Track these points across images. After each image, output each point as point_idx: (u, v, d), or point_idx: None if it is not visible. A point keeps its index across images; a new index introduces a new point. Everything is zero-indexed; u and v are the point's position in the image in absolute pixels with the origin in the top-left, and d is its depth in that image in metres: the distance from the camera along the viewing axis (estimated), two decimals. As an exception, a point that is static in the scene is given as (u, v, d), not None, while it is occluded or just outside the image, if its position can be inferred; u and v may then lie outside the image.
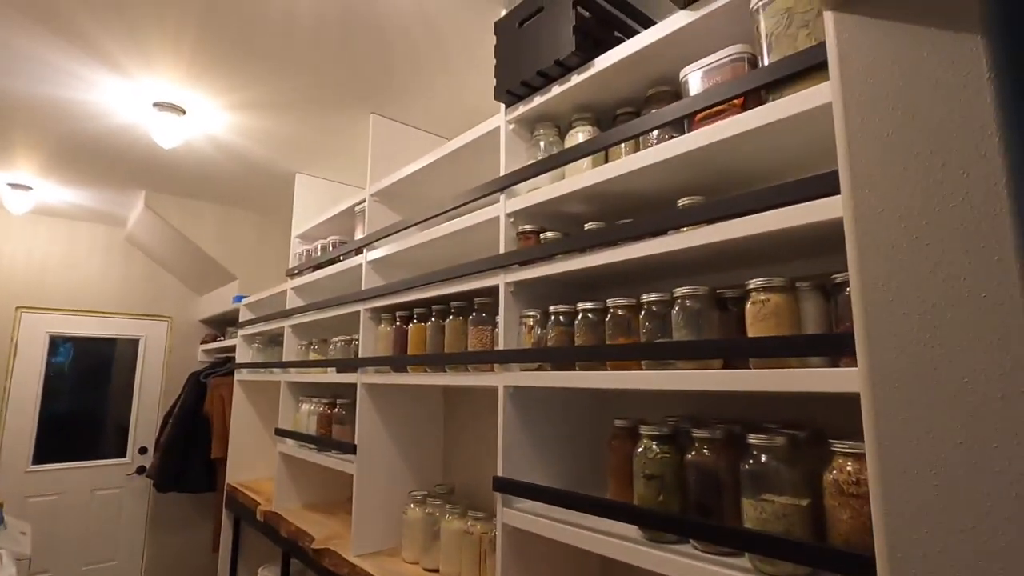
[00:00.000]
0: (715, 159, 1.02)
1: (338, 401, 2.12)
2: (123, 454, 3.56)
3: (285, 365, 2.42)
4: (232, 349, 3.49)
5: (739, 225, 0.89)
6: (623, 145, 1.22)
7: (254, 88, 2.05)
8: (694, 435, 0.98)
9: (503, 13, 1.46)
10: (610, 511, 1.01)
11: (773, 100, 0.87)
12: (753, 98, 0.94)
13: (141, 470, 3.54)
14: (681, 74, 1.07)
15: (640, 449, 1.04)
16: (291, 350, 2.47)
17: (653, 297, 1.05)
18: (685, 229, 0.99)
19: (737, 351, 0.89)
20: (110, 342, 3.63)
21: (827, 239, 0.89)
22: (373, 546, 1.80)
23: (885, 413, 0.57)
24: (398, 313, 1.81)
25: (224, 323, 3.68)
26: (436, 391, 2.04)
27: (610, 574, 1.41)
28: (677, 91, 1.19)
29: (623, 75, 1.22)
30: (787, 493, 0.83)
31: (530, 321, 1.29)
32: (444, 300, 1.64)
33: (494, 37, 1.44)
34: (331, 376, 2.06)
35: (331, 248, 2.32)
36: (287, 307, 2.48)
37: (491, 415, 1.85)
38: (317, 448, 2.15)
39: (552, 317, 1.24)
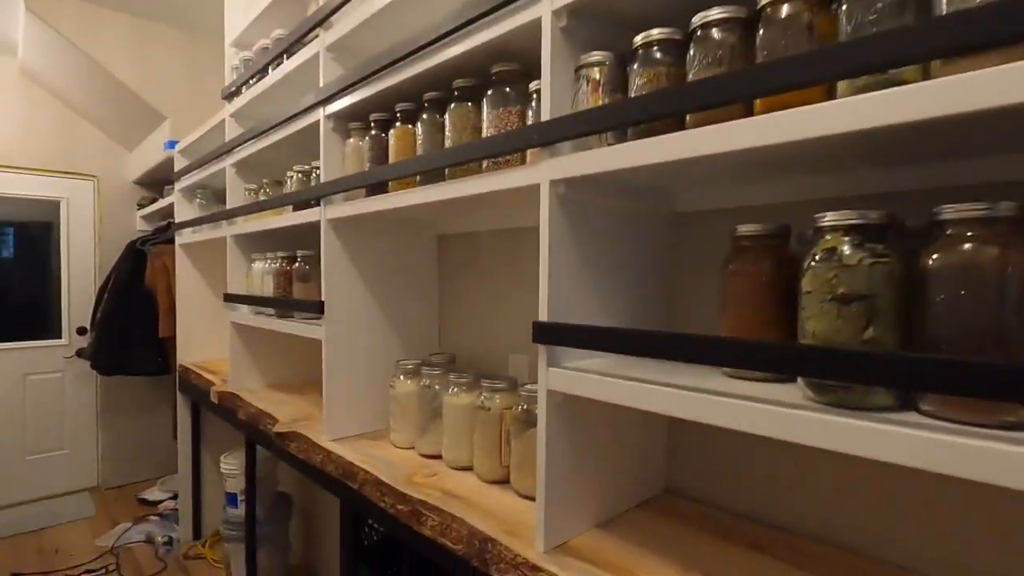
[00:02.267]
0: None
1: (299, 254, 1.62)
2: (58, 335, 3.07)
3: (228, 215, 1.89)
4: (168, 212, 2.91)
5: None
6: None
7: None
8: (945, 217, 0.52)
9: None
10: (786, 359, 0.56)
11: None
12: None
13: (82, 352, 3.09)
14: None
15: (818, 259, 0.58)
16: (236, 196, 1.93)
17: (875, -39, 0.54)
18: None
19: None
20: (25, 206, 3.01)
21: None
22: (351, 428, 1.40)
23: None
24: (373, 118, 1.26)
25: (162, 182, 3.07)
26: (427, 234, 1.55)
27: (677, 452, 1.03)
28: None
29: None
30: None
31: (596, 73, 0.78)
32: (442, 84, 1.10)
33: None
34: (287, 218, 1.54)
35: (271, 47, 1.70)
36: (226, 140, 1.90)
37: (504, 262, 1.38)
38: (276, 313, 1.69)
39: (641, 53, 0.73)
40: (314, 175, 1.52)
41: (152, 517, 2.70)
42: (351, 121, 1.33)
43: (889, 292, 0.54)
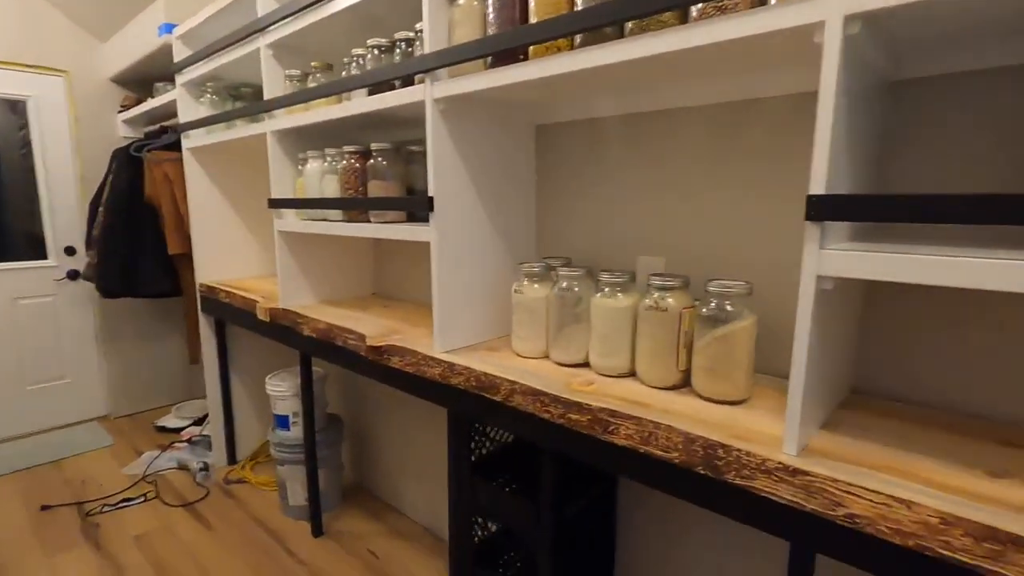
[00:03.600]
0: None
1: (373, 148, 1.41)
2: (43, 256, 2.76)
3: (271, 107, 1.63)
4: (167, 115, 2.57)
5: None
6: None
7: None
8: None
9: None
10: None
11: None
12: None
13: (73, 275, 2.80)
14: None
15: None
16: (275, 84, 1.66)
17: None
18: None
19: None
20: (-17, 107, 2.58)
21: None
22: (463, 339, 1.28)
23: None
24: (500, -33, 1.04)
25: (149, 80, 2.67)
26: (527, 123, 1.37)
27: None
28: None
29: None
30: None
31: None
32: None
33: None
34: (375, 100, 1.31)
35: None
36: (259, 15, 1.60)
37: (626, 152, 1.23)
38: (346, 217, 1.50)
39: None
40: (399, 50, 1.29)
41: (180, 444, 2.56)
42: (463, -27, 1.10)
43: None
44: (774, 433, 0.79)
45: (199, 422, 2.77)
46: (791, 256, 1.01)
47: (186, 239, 2.40)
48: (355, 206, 1.43)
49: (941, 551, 0.61)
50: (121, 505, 2.12)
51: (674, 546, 1.27)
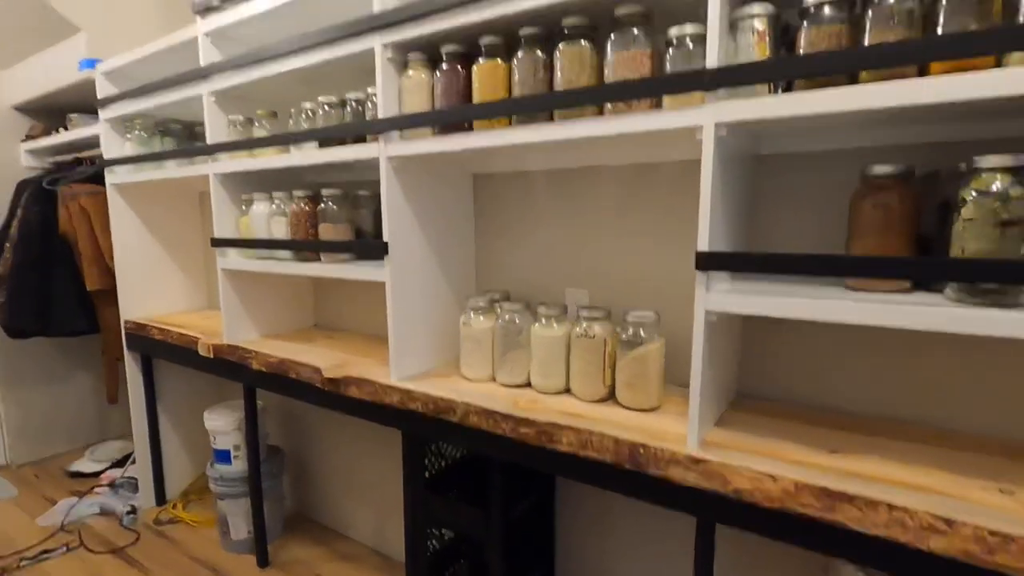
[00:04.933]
0: None
1: (324, 193, 1.53)
2: (-70, 295, 2.54)
3: (215, 151, 1.69)
4: (80, 146, 2.49)
5: None
6: None
7: None
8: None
9: None
10: (966, 270, 0.72)
11: None
12: None
13: (-31, 315, 2.59)
14: None
15: (976, 193, 0.74)
16: (218, 129, 1.72)
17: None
18: None
19: None
20: None
21: None
22: (415, 367, 1.42)
23: None
24: (446, 50, 1.22)
25: (60, 110, 2.57)
26: (465, 173, 1.55)
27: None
28: None
29: None
30: None
31: (761, 24, 0.86)
32: (538, 19, 1.10)
33: None
34: (329, 153, 1.44)
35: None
36: (201, 63, 1.67)
37: (554, 200, 1.44)
38: (295, 257, 1.59)
39: (811, 12, 0.82)
40: (351, 107, 1.43)
41: (100, 488, 2.44)
42: (411, 52, 1.27)
43: (1039, 218, 0.72)
44: (680, 432, 1.02)
45: (119, 463, 2.65)
46: (687, 288, 1.25)
47: (106, 274, 2.34)
48: (313, 248, 1.54)
49: (796, 508, 0.85)
50: (41, 557, 2.01)
51: (606, 537, 1.47)
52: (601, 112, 1.03)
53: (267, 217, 1.65)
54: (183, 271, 2.41)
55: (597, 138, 1.02)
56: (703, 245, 0.91)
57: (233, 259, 1.74)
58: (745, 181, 1.10)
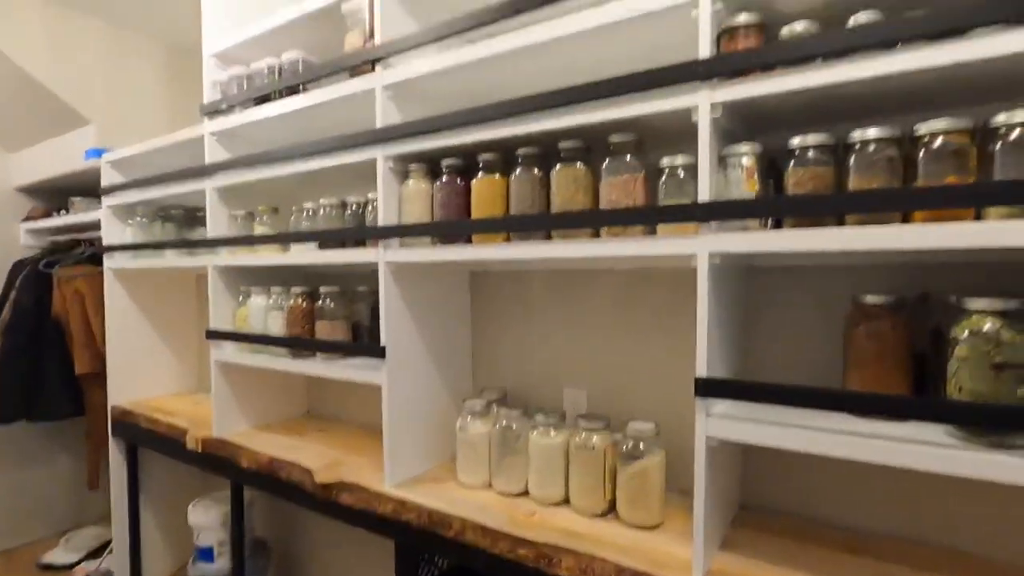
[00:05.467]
0: None
1: (323, 291, 1.54)
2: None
3: (215, 244, 1.72)
4: (80, 228, 2.51)
5: None
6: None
7: None
8: (1068, 308, 0.72)
9: None
10: (970, 413, 0.72)
11: None
12: None
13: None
14: None
15: (968, 333, 0.76)
16: (219, 223, 1.75)
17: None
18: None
19: None
20: None
21: None
22: (410, 472, 1.39)
23: None
24: (445, 163, 1.26)
25: (61, 192, 2.61)
26: (462, 270, 1.57)
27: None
28: None
29: None
30: None
31: (749, 161, 0.90)
32: (535, 140, 1.15)
33: None
34: (315, 255, 1.46)
35: (279, 71, 1.58)
36: (207, 160, 1.72)
37: (551, 299, 1.45)
38: (291, 353, 1.58)
39: (796, 154, 0.87)
40: (352, 209, 1.46)
41: (73, 583, 2.32)
42: (412, 164, 1.31)
43: (1031, 361, 0.73)
44: (685, 558, 0.98)
45: (95, 553, 2.53)
46: (685, 390, 1.25)
47: (96, 357, 2.31)
48: (309, 347, 1.53)
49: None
50: (3, 668, 1.88)
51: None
52: (597, 233, 1.05)
53: (264, 311, 1.65)
54: (175, 354, 2.38)
55: (594, 258, 1.04)
56: (701, 370, 0.91)
57: (228, 352, 1.73)
58: (740, 292, 1.12)
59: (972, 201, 0.72)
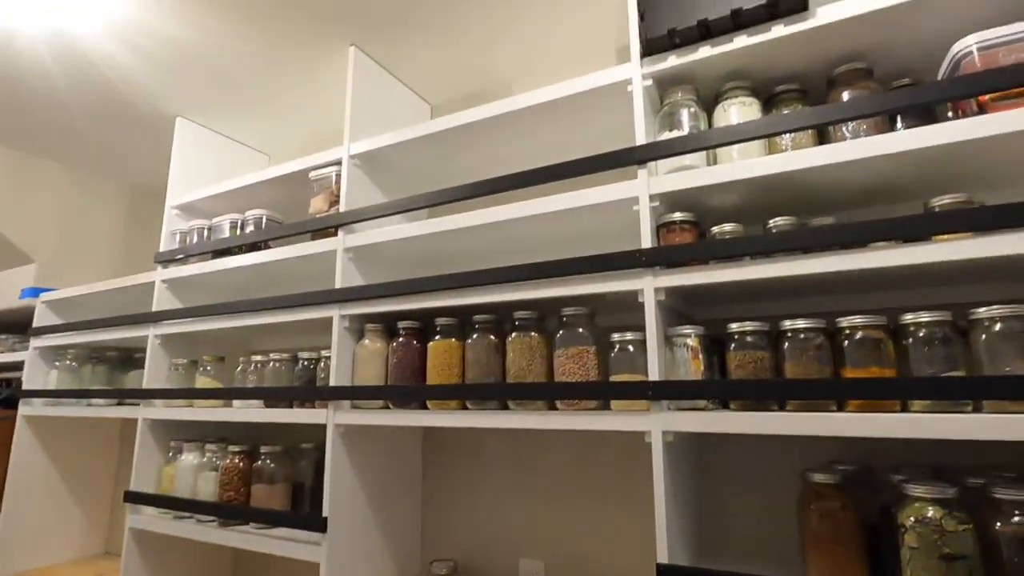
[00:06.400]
0: (971, 156, 0.84)
1: (263, 450, 1.44)
2: None
3: (151, 396, 1.61)
4: (4, 367, 2.33)
5: None
6: (806, 132, 0.99)
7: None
8: (999, 496, 0.76)
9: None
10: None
11: None
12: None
13: None
14: (957, 47, 0.87)
15: (915, 520, 0.78)
16: (158, 371, 1.67)
17: (927, 318, 0.81)
18: (945, 236, 0.78)
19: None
20: None
21: None
22: (346, 668, 1.22)
23: None
24: (402, 325, 1.28)
25: (-15, 328, 2.45)
26: (415, 431, 1.52)
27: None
28: (871, 69, 1.00)
29: (805, 43, 0.99)
30: None
31: (694, 341, 0.95)
32: (492, 309, 1.19)
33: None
34: (260, 413, 1.39)
35: (240, 226, 1.63)
36: (155, 307, 1.68)
37: (507, 462, 1.41)
38: (220, 523, 1.44)
39: (736, 338, 0.93)
40: (302, 364, 1.43)
41: None
42: (368, 323, 1.32)
43: (977, 551, 0.75)
44: None
45: None
46: (647, 563, 1.19)
47: (-11, 516, 2.02)
48: (243, 518, 1.39)
49: None
50: None
51: None
52: (553, 404, 1.06)
53: (195, 470, 1.52)
54: (84, 513, 2.12)
55: (547, 430, 1.04)
56: (663, 556, 0.88)
57: (147, 518, 1.55)
58: (694, 463, 1.13)
59: (899, 394, 0.77)
